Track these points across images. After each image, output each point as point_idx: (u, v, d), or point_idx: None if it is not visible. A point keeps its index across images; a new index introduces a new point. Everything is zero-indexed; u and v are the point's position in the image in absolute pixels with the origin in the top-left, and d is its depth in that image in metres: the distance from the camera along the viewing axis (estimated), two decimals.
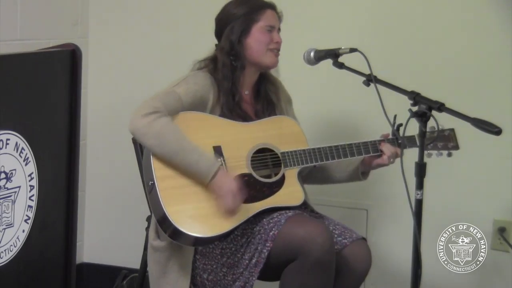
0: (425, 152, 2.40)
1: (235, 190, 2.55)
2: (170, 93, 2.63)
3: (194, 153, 2.56)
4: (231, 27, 2.73)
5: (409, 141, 2.70)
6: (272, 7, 2.79)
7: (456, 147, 2.77)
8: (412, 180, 2.35)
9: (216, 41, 2.81)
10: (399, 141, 2.71)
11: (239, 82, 2.76)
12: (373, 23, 3.30)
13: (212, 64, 2.76)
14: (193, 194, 2.57)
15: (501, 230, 3.19)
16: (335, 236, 2.64)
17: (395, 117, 2.52)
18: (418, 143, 2.66)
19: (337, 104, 3.38)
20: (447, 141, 2.76)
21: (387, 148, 2.74)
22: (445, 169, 3.15)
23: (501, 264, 3.21)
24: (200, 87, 2.68)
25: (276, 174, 2.71)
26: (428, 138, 2.42)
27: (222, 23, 2.77)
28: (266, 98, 2.84)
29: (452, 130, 2.76)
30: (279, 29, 2.80)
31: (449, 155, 2.67)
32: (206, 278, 2.65)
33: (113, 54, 3.72)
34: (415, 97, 2.40)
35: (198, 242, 2.57)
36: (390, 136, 2.76)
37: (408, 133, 2.57)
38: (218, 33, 2.80)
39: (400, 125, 2.56)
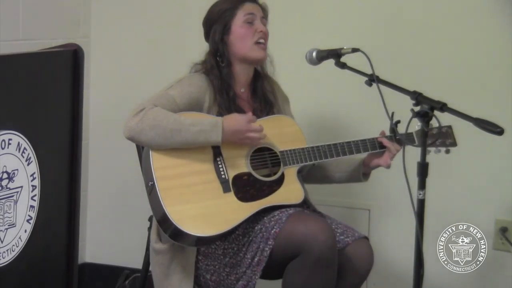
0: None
1: (247, 117, 2.62)
2: (163, 96, 2.64)
3: (195, 123, 2.56)
4: (214, 28, 2.76)
5: (407, 139, 2.70)
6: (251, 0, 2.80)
7: (454, 143, 2.77)
8: (414, 180, 2.35)
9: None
10: (397, 137, 2.71)
11: (231, 79, 2.76)
12: (375, 23, 3.29)
13: (205, 66, 2.78)
14: (193, 194, 2.57)
15: (503, 230, 3.19)
16: (338, 234, 2.64)
17: (392, 114, 2.52)
18: (417, 142, 2.68)
19: (337, 104, 3.37)
20: (445, 137, 2.76)
21: (391, 144, 2.74)
22: (447, 169, 3.14)
23: (504, 264, 3.21)
24: (195, 89, 2.69)
25: (275, 174, 2.71)
26: (428, 136, 2.42)
27: (208, 25, 2.80)
28: (264, 97, 2.84)
29: (450, 127, 2.76)
30: (265, 19, 2.79)
31: (447, 151, 2.66)
32: (209, 279, 2.65)
33: (116, 54, 3.72)
34: (417, 97, 2.39)
35: (199, 241, 2.57)
36: (388, 134, 2.77)
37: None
38: (206, 36, 2.82)
39: (398, 121, 2.56)
